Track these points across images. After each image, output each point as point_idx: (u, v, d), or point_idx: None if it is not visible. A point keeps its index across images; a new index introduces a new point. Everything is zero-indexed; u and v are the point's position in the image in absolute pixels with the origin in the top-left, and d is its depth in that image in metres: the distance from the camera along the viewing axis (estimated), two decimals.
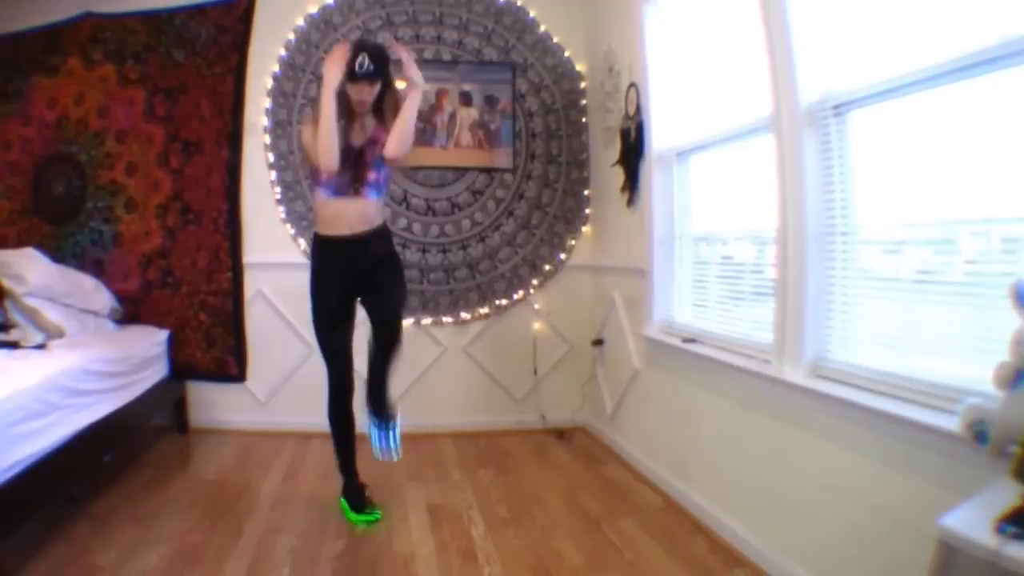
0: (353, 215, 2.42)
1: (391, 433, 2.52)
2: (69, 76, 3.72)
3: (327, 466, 3.17)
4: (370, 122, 2.45)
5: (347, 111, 2.38)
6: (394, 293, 2.54)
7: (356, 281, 2.49)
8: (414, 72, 2.41)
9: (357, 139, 2.41)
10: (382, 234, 2.52)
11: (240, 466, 3.17)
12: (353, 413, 2.65)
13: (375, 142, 2.43)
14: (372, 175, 2.42)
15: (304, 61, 3.70)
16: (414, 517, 2.60)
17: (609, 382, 3.58)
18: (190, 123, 3.68)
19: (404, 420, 3.75)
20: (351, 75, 2.30)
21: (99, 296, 3.45)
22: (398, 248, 3.73)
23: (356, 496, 2.61)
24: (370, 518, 2.55)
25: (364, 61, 2.29)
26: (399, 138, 2.39)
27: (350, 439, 2.66)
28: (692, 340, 2.69)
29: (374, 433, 2.54)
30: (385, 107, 2.44)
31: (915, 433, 1.55)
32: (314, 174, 2.44)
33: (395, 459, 2.55)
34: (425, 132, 3.75)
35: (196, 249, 3.68)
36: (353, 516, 2.56)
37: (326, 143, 2.30)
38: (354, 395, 2.64)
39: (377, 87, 2.37)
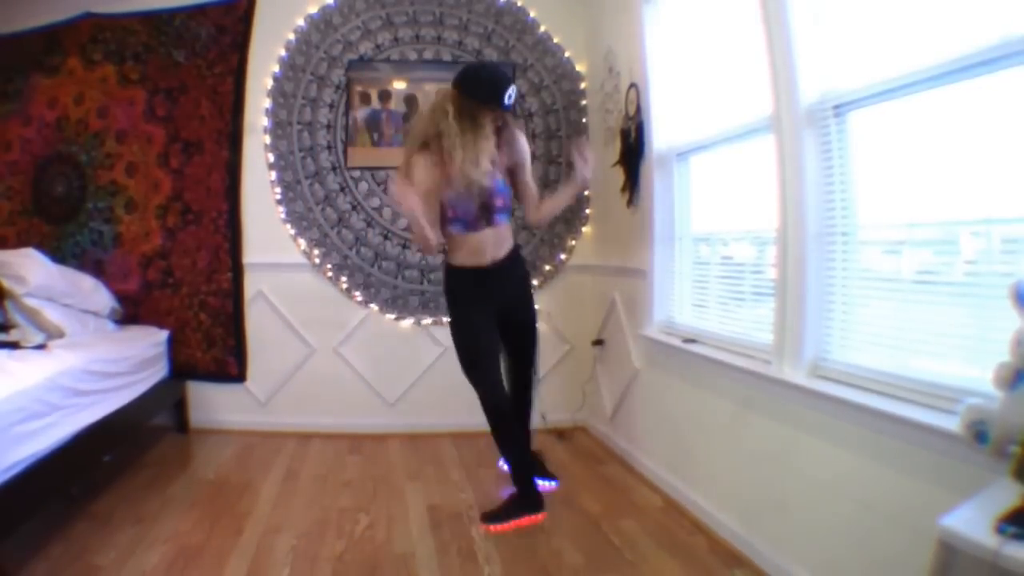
0: (490, 242, 2.41)
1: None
2: (69, 76, 3.72)
3: (327, 466, 3.18)
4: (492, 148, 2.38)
5: (483, 139, 2.30)
6: (529, 327, 2.59)
7: (499, 301, 2.47)
8: (586, 173, 2.45)
9: (486, 178, 2.33)
10: (518, 255, 2.54)
11: (240, 466, 3.17)
12: (516, 426, 2.54)
13: (494, 165, 2.37)
14: (499, 202, 2.39)
15: (304, 62, 3.70)
16: (414, 517, 2.60)
17: (609, 382, 3.58)
18: (190, 123, 3.68)
19: (404, 420, 3.75)
20: (497, 103, 2.26)
21: (99, 296, 3.46)
22: (398, 248, 3.77)
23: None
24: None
25: (513, 94, 2.29)
26: (547, 214, 2.58)
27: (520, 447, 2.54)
28: (692, 340, 2.69)
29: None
30: (504, 138, 2.41)
31: (915, 433, 1.55)
32: (442, 210, 2.39)
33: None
34: None
35: (196, 249, 3.68)
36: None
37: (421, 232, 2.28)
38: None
39: (504, 121, 2.37)
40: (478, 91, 2.29)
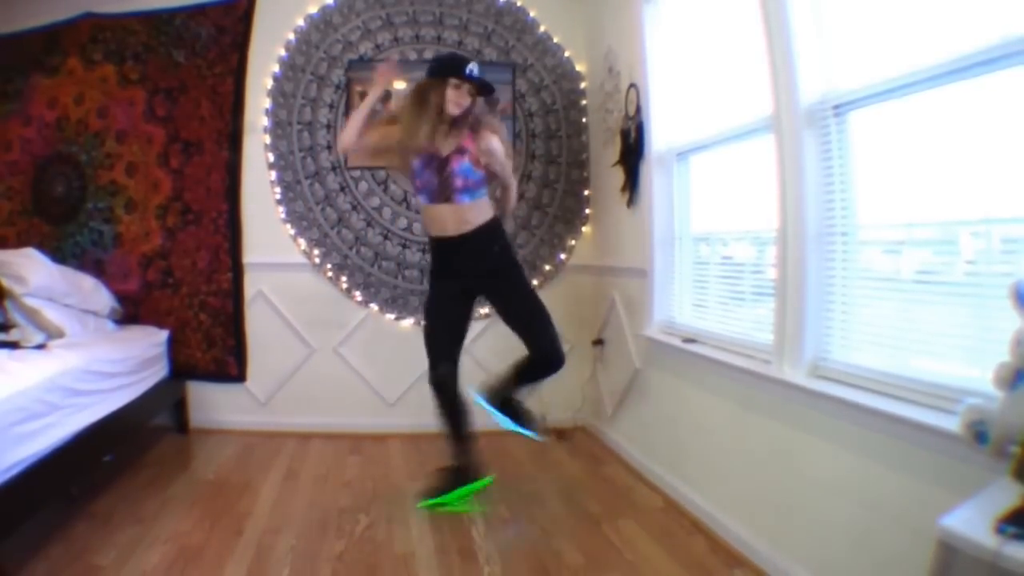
0: (449, 219, 2.56)
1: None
2: (69, 76, 3.72)
3: (327, 466, 3.18)
4: (455, 133, 2.52)
5: (435, 112, 2.47)
6: (524, 297, 2.66)
7: (468, 280, 2.61)
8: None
9: (444, 148, 2.51)
10: (487, 231, 2.59)
11: (240, 466, 3.17)
12: (460, 403, 2.70)
13: (463, 151, 2.51)
14: (459, 181, 2.50)
15: (304, 62, 3.70)
16: (414, 517, 2.60)
17: (609, 382, 3.58)
18: (190, 123, 3.68)
19: (404, 420, 3.75)
20: (458, 74, 2.44)
21: (99, 296, 3.46)
22: (398, 248, 3.77)
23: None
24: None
25: (475, 68, 2.48)
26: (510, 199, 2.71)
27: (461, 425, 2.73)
28: (692, 340, 2.69)
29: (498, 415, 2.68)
30: (469, 123, 2.53)
31: (915, 433, 1.55)
32: (412, 182, 2.62)
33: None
34: None
35: (196, 249, 3.68)
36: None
37: (351, 123, 2.57)
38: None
39: (470, 100, 2.50)
40: (437, 70, 2.52)
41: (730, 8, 2.44)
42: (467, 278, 2.61)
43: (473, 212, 2.56)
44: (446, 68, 2.48)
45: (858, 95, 1.84)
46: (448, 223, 2.55)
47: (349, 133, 2.57)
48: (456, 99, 2.46)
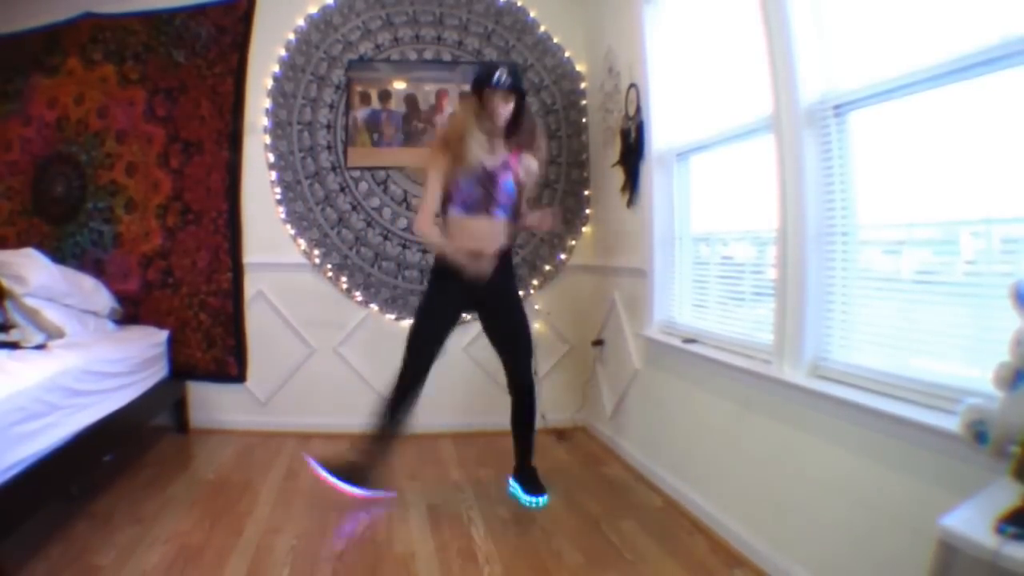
0: (485, 232, 2.55)
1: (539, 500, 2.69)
2: (69, 76, 3.72)
3: None
4: (502, 146, 2.58)
5: (486, 122, 2.51)
6: (520, 321, 2.69)
7: (477, 295, 2.60)
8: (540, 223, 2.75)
9: (490, 161, 2.54)
10: (508, 251, 2.67)
11: (240, 466, 3.17)
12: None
13: (507, 167, 2.56)
14: (503, 197, 2.56)
15: (304, 62, 3.70)
16: (414, 517, 2.60)
17: (609, 382, 3.58)
18: (190, 123, 3.68)
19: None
20: (488, 83, 2.46)
21: (99, 296, 3.46)
22: (398, 248, 3.77)
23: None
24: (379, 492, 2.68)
25: (503, 75, 2.48)
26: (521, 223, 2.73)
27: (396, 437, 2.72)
28: (692, 340, 2.69)
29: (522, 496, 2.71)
30: (519, 133, 2.58)
31: (915, 433, 1.55)
32: (447, 191, 2.56)
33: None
34: (425, 132, 3.75)
35: (196, 249, 3.68)
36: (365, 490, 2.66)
37: (426, 215, 2.56)
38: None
39: (511, 104, 2.52)
40: (473, 84, 2.55)
41: (730, 8, 2.44)
42: (476, 291, 2.57)
43: (505, 229, 2.62)
44: (478, 81, 2.51)
45: (858, 95, 1.84)
46: (484, 237, 2.54)
47: (427, 219, 2.55)
48: (499, 109, 2.49)
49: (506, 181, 2.55)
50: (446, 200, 2.57)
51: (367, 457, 2.66)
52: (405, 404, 2.64)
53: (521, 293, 3.80)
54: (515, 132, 2.59)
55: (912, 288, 1.75)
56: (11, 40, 3.74)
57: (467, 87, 3.72)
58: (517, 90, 2.53)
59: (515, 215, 2.68)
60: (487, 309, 2.69)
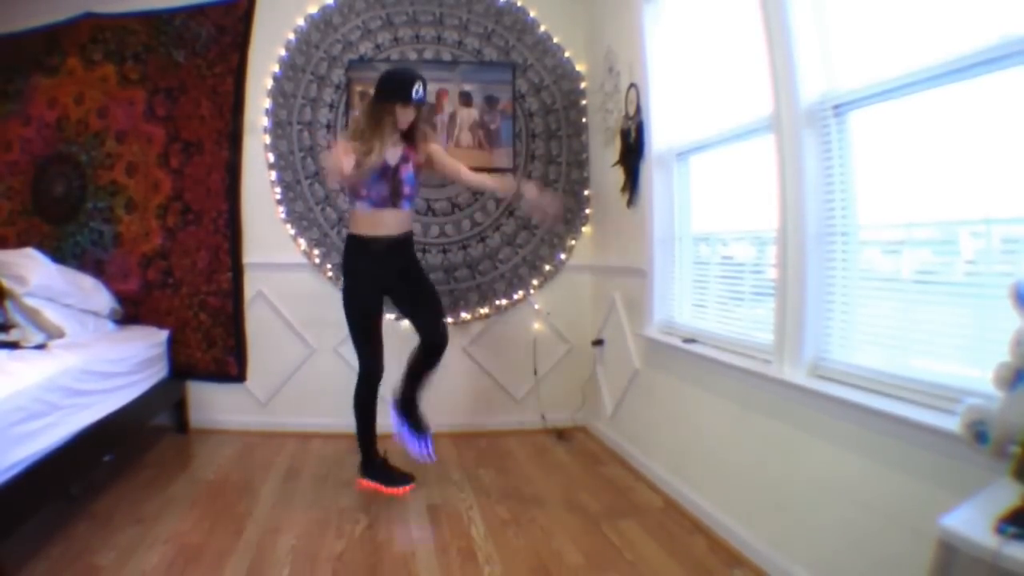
0: (392, 221, 2.74)
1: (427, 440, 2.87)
2: (69, 76, 3.72)
3: (327, 466, 3.18)
4: (399, 143, 2.71)
5: (389, 132, 2.64)
6: (429, 291, 2.88)
7: (391, 278, 2.78)
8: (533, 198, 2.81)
9: (392, 158, 2.68)
10: (410, 237, 2.87)
11: (240, 466, 3.17)
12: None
13: (407, 160, 2.73)
14: (407, 189, 2.74)
15: (304, 62, 3.70)
16: (414, 517, 2.60)
17: (609, 382, 3.58)
18: (190, 123, 3.68)
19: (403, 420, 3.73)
20: (405, 99, 2.62)
21: (99, 296, 3.46)
22: (409, 227, 3.76)
23: (390, 472, 2.84)
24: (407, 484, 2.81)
25: (420, 89, 2.66)
26: (470, 180, 2.88)
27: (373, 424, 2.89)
28: (692, 340, 2.69)
29: (410, 439, 2.86)
30: (415, 134, 2.76)
31: (915, 433, 1.55)
32: (354, 190, 2.71)
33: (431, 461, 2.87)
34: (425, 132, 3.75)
35: (196, 249, 3.68)
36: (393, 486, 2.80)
37: (340, 160, 2.58)
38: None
39: (415, 114, 2.71)
40: (387, 94, 2.65)
41: (730, 8, 2.44)
42: (390, 274, 2.77)
43: (409, 218, 2.83)
44: (394, 93, 2.63)
45: (858, 95, 1.84)
46: (392, 225, 2.73)
47: (341, 167, 2.60)
48: (405, 118, 2.67)
49: (408, 174, 2.72)
50: (355, 195, 2.71)
51: (370, 452, 2.84)
52: (373, 392, 2.82)
53: (520, 293, 3.83)
54: (410, 133, 2.74)
55: (912, 288, 1.75)
56: (11, 40, 3.74)
57: (466, 87, 3.76)
58: (423, 99, 2.71)
59: (453, 174, 2.88)
60: (397, 288, 2.82)
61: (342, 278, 2.82)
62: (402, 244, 2.79)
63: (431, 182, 3.77)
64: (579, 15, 3.87)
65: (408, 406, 2.84)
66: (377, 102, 2.66)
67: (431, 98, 3.75)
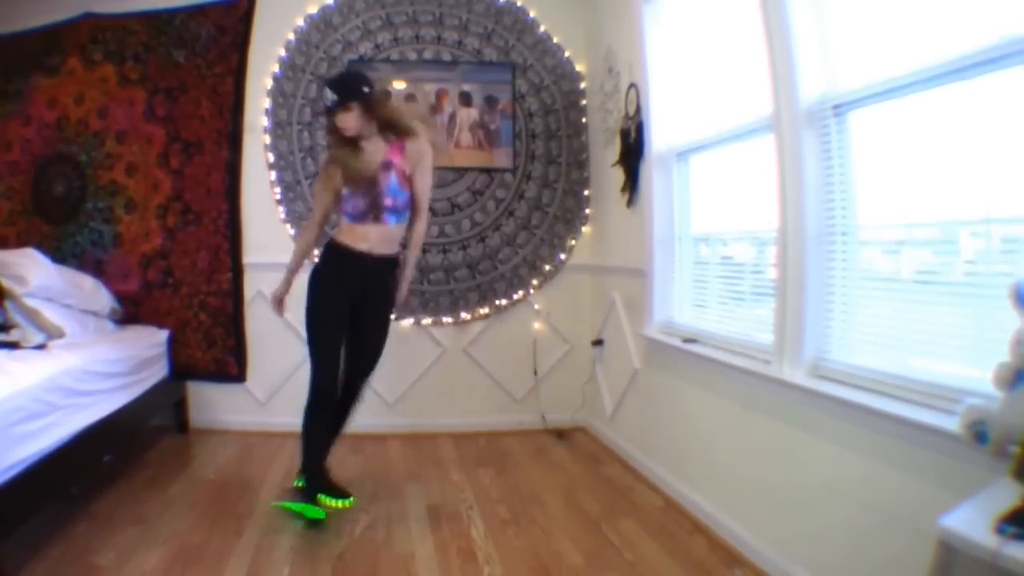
0: (374, 237, 2.50)
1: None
2: (69, 76, 3.72)
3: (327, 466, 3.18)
4: (379, 145, 2.49)
5: (347, 140, 2.47)
6: (384, 325, 2.69)
7: (358, 295, 2.54)
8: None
9: (368, 169, 2.46)
10: (395, 261, 2.62)
11: (240, 466, 3.17)
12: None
13: (389, 166, 2.48)
14: (388, 201, 2.48)
15: (304, 62, 3.70)
16: (414, 517, 2.60)
17: (609, 382, 3.58)
18: (190, 123, 3.68)
19: (404, 420, 3.74)
20: (328, 108, 2.44)
21: (99, 296, 3.45)
22: (398, 248, 3.76)
23: (332, 486, 2.58)
24: (348, 501, 2.51)
25: (327, 95, 2.44)
26: (414, 239, 2.65)
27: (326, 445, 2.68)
28: (692, 340, 2.69)
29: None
30: (385, 125, 2.49)
31: (915, 433, 1.55)
32: (337, 202, 2.55)
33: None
34: None
35: (196, 249, 3.68)
36: (333, 503, 2.50)
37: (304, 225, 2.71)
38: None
39: (354, 110, 2.41)
40: (325, 110, 2.53)
41: (730, 8, 2.44)
42: (357, 291, 2.53)
43: (395, 237, 2.56)
44: (326, 107, 2.48)
45: (858, 95, 1.84)
46: (374, 241, 2.49)
47: (303, 228, 2.66)
48: (344, 123, 2.42)
49: (389, 183, 2.47)
50: (340, 209, 2.56)
51: (314, 471, 2.56)
52: (325, 411, 2.56)
53: (520, 293, 3.83)
54: (389, 127, 2.49)
55: (912, 288, 1.75)
56: (11, 40, 3.74)
57: (466, 87, 3.76)
58: (347, 98, 2.40)
59: (412, 207, 2.58)
60: (361, 311, 2.57)
61: (310, 285, 2.54)
62: (381, 267, 2.54)
63: None
64: (579, 15, 3.87)
65: (319, 480, 2.51)
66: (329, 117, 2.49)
67: (431, 99, 3.75)
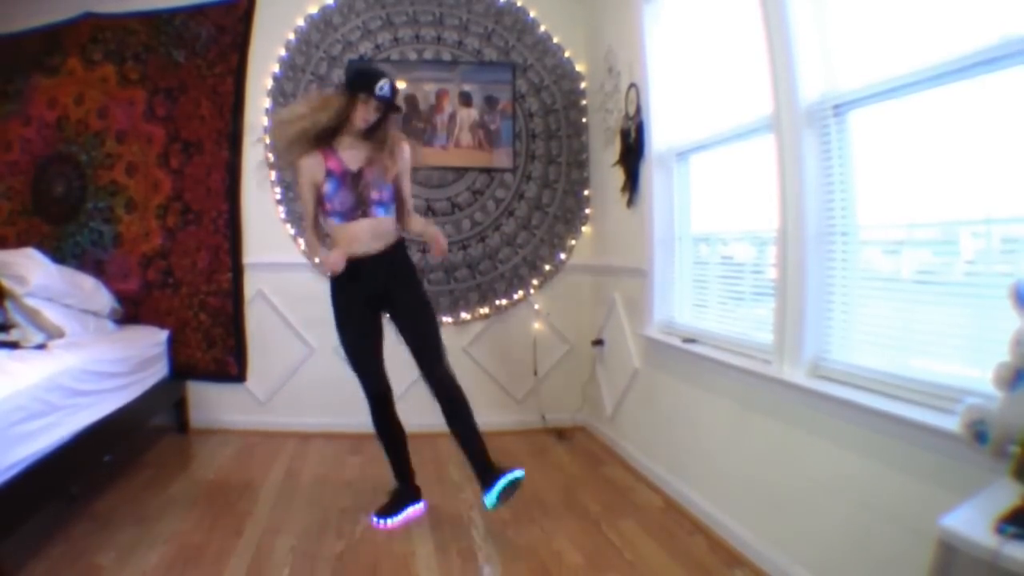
0: (366, 235, 2.46)
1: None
2: (69, 76, 3.72)
3: (327, 466, 3.18)
4: (363, 145, 2.47)
5: (339, 127, 2.42)
6: (419, 310, 2.57)
7: (377, 297, 2.53)
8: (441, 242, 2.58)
9: (353, 162, 2.45)
10: (399, 248, 2.57)
11: (240, 466, 3.17)
12: (398, 418, 2.69)
13: (372, 162, 2.46)
14: (375, 194, 2.46)
15: (304, 62, 3.70)
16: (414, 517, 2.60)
17: (609, 382, 3.58)
18: (190, 123, 3.68)
19: (404, 420, 3.75)
20: (368, 92, 2.38)
21: (99, 296, 3.46)
22: (394, 238, 3.76)
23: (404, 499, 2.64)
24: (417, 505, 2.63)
25: (385, 85, 2.41)
26: (413, 228, 2.66)
27: (400, 444, 2.70)
28: (692, 340, 2.69)
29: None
30: (380, 135, 2.48)
31: (915, 433, 1.55)
32: (320, 203, 2.50)
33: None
34: (425, 132, 3.75)
35: (196, 249, 3.68)
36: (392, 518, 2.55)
37: (307, 239, 2.67)
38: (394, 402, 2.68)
39: (377, 115, 2.42)
40: (348, 84, 2.46)
41: (730, 8, 2.44)
42: (374, 289, 2.51)
43: (389, 227, 2.52)
44: (357, 85, 2.41)
45: (858, 95, 1.84)
46: (367, 240, 2.46)
47: (308, 242, 2.68)
48: (364, 115, 2.40)
49: (374, 176, 2.45)
50: (324, 214, 2.50)
51: (399, 476, 2.69)
52: (384, 414, 2.63)
53: (520, 293, 3.82)
54: (373, 134, 2.47)
55: (912, 288, 1.75)
56: (11, 40, 3.74)
57: (466, 87, 3.76)
58: (393, 108, 2.46)
59: (399, 207, 2.58)
60: (392, 308, 2.57)
61: (332, 300, 2.56)
62: (386, 259, 2.50)
63: (431, 182, 3.77)
64: (579, 15, 3.87)
65: (492, 475, 2.43)
66: (340, 93, 2.43)
67: (431, 99, 3.75)
